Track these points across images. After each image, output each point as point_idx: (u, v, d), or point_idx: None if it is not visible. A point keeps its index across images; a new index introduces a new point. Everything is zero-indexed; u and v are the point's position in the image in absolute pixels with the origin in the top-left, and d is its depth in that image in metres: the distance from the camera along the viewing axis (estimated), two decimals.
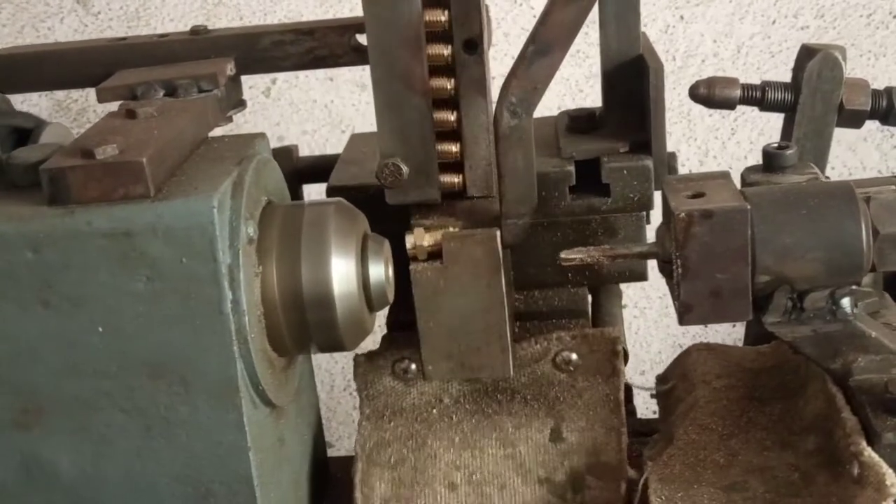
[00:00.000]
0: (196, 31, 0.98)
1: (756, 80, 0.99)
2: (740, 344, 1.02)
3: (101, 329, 0.74)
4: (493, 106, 0.83)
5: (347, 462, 0.90)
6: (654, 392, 1.00)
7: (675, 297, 0.80)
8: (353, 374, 0.93)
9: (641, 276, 0.96)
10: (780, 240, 0.78)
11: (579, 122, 0.98)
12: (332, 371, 1.81)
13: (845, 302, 0.80)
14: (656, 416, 0.99)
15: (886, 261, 0.79)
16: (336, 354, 1.77)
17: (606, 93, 0.97)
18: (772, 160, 0.90)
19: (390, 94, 0.83)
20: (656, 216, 0.94)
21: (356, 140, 1.09)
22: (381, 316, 0.92)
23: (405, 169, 0.85)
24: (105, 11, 1.67)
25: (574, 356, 0.90)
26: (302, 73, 1.64)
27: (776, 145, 0.90)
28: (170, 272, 0.73)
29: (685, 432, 0.87)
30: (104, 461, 0.77)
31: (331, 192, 0.94)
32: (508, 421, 0.90)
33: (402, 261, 0.84)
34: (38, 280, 0.73)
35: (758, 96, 0.98)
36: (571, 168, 0.93)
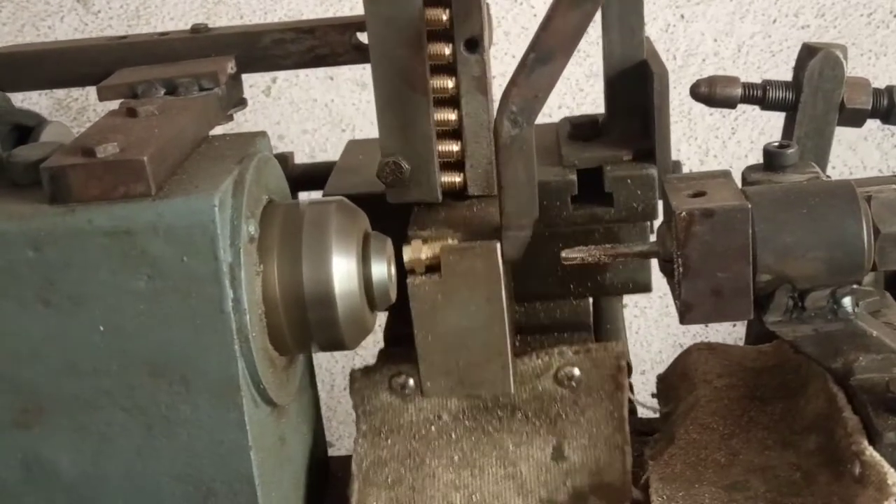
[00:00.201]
0: (196, 30, 0.97)
1: (757, 80, 0.99)
2: (741, 343, 1.02)
3: (101, 328, 0.74)
4: (494, 105, 0.83)
5: (348, 461, 0.90)
6: (654, 392, 1.00)
7: (676, 296, 0.79)
8: (349, 389, 0.90)
9: (645, 288, 0.94)
10: (781, 239, 0.77)
11: (581, 128, 0.95)
12: (333, 370, 1.81)
13: (846, 301, 0.80)
14: (657, 415, 0.99)
15: (887, 260, 0.79)
16: (336, 353, 1.77)
17: (609, 99, 0.95)
18: (773, 159, 0.90)
19: (391, 92, 0.83)
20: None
21: (353, 147, 1.07)
22: (378, 331, 0.90)
23: (406, 167, 0.85)
24: (105, 10, 1.67)
25: (576, 371, 0.88)
26: (302, 72, 1.64)
27: (777, 144, 0.90)
28: (171, 271, 0.73)
29: (686, 432, 0.87)
30: (105, 460, 0.77)
31: None
32: (509, 439, 0.88)
33: (399, 272, 0.82)
34: (38, 279, 0.73)
35: (759, 95, 0.97)
36: (573, 177, 0.90)
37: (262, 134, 0.86)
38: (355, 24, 0.94)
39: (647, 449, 0.89)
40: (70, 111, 1.69)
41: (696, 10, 1.64)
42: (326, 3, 1.65)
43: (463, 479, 0.87)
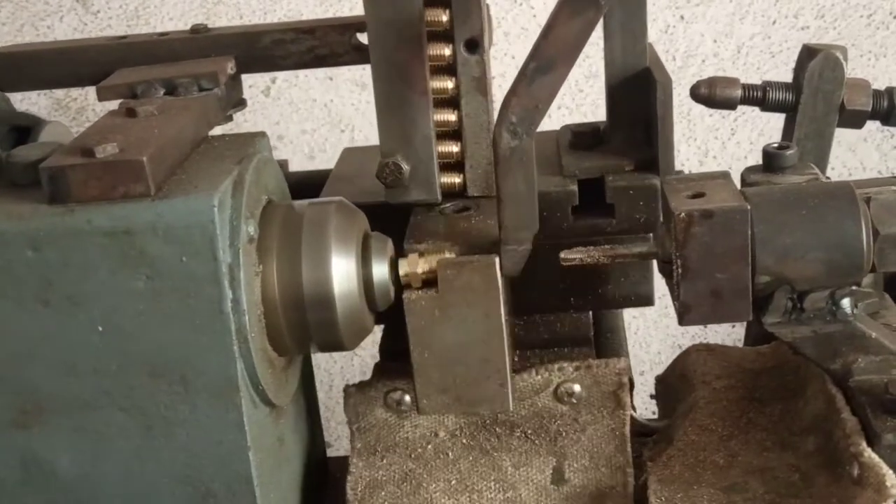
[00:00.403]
0: (196, 30, 0.98)
1: (756, 81, 0.99)
2: (740, 344, 1.02)
3: (100, 328, 0.74)
4: (495, 105, 0.82)
5: (346, 462, 0.90)
6: (652, 393, 1.00)
7: (675, 297, 0.79)
8: (344, 405, 0.88)
9: (647, 301, 0.92)
10: (781, 240, 0.78)
11: (582, 137, 0.93)
12: (332, 371, 1.81)
13: (845, 302, 0.80)
14: (656, 416, 0.99)
15: (886, 261, 0.79)
16: (335, 354, 1.77)
17: (611, 107, 0.93)
18: (772, 160, 0.90)
19: (391, 93, 0.83)
20: None
21: (348, 155, 1.05)
22: (377, 332, 0.90)
23: (406, 168, 0.85)
24: (104, 10, 1.67)
25: (577, 388, 0.86)
26: (301, 73, 1.64)
27: (776, 145, 0.90)
28: (170, 271, 0.73)
29: (685, 433, 0.87)
30: (103, 460, 0.77)
31: None
32: (508, 459, 0.86)
33: (395, 283, 0.81)
34: (37, 279, 0.73)
35: (759, 96, 0.97)
36: (574, 187, 0.88)
37: (262, 134, 0.86)
38: (355, 25, 0.94)
39: (646, 450, 0.88)
40: (69, 111, 1.69)
41: (695, 11, 1.64)
42: (326, 3, 1.65)
43: None
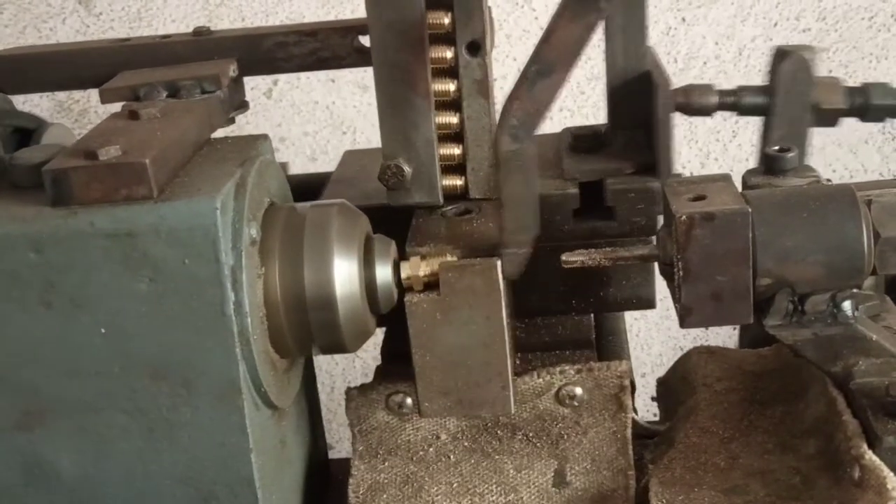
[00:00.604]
0: (199, 33, 0.98)
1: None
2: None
3: (103, 330, 0.74)
4: (496, 108, 0.82)
5: (348, 464, 0.90)
6: (654, 395, 1.00)
7: (676, 299, 0.80)
8: (345, 408, 0.89)
9: (649, 304, 0.92)
10: (782, 243, 0.78)
11: (583, 140, 0.93)
12: (333, 373, 1.81)
13: (846, 305, 0.80)
14: (657, 418, 0.99)
15: (887, 264, 0.79)
16: (336, 357, 1.77)
17: (612, 110, 0.93)
18: (773, 163, 0.90)
19: (393, 95, 0.83)
20: None
21: (349, 157, 1.05)
22: (379, 333, 0.90)
23: (407, 170, 0.85)
24: (107, 12, 1.67)
25: (579, 391, 0.86)
26: (303, 75, 1.65)
27: (777, 148, 0.90)
28: (172, 273, 0.73)
29: (686, 435, 0.87)
30: (106, 462, 0.78)
31: None
32: (509, 461, 0.86)
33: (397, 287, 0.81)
34: (40, 281, 0.73)
35: (733, 102, 0.97)
36: (575, 190, 0.88)
37: (264, 137, 0.86)
38: (357, 28, 0.95)
39: (647, 452, 0.89)
40: (71, 113, 1.70)
41: (697, 13, 1.64)
42: (328, 5, 1.65)
43: None
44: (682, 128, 1.66)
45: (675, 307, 0.80)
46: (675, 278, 0.78)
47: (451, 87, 0.85)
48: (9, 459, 0.78)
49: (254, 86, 1.61)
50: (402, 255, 0.81)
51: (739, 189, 0.82)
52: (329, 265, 0.78)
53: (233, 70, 0.92)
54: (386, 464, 0.88)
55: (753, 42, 1.65)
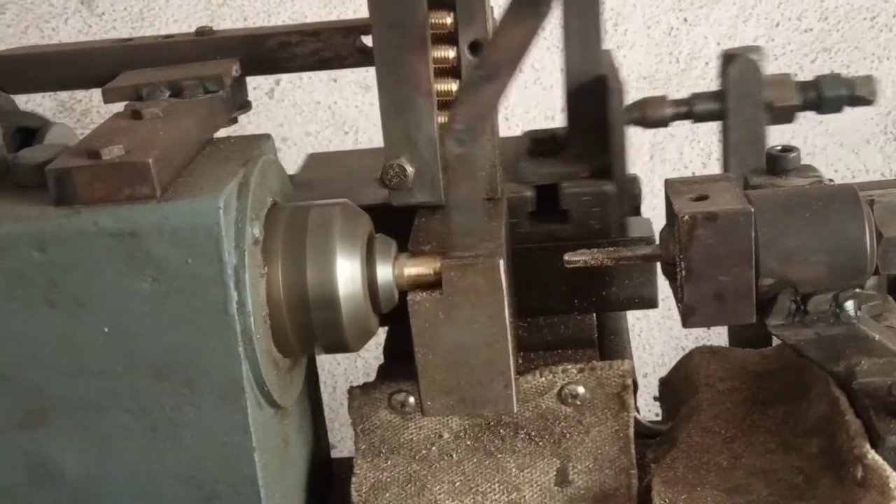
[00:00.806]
0: (201, 32, 0.98)
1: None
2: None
3: (106, 329, 0.74)
4: (498, 108, 0.82)
5: (351, 463, 0.90)
6: (656, 395, 1.00)
7: (679, 299, 0.80)
8: (348, 407, 0.89)
9: (651, 303, 0.92)
10: (784, 242, 0.78)
11: (542, 144, 0.95)
12: (335, 372, 1.81)
13: (849, 305, 0.80)
14: (659, 418, 0.99)
15: (890, 264, 0.79)
16: (338, 356, 1.77)
17: (569, 114, 0.94)
18: (775, 163, 0.90)
19: (395, 95, 0.83)
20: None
21: (312, 161, 1.05)
22: (381, 333, 0.90)
23: (410, 170, 0.85)
24: (109, 12, 1.67)
25: (581, 390, 0.86)
26: (305, 75, 1.65)
27: (779, 148, 0.91)
28: (175, 273, 0.73)
29: (688, 435, 0.87)
30: (109, 462, 0.78)
31: None
32: (512, 460, 0.86)
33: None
34: (44, 280, 0.73)
35: (687, 111, 0.98)
36: (531, 193, 0.89)
37: (267, 136, 0.86)
38: (359, 27, 0.95)
39: (650, 452, 0.89)
40: (74, 113, 1.70)
41: (699, 13, 1.64)
42: (330, 5, 1.65)
43: None
44: (684, 128, 1.67)
45: (678, 307, 0.80)
46: (678, 278, 0.78)
47: (453, 87, 0.85)
48: (13, 458, 0.78)
49: (256, 86, 1.61)
50: (406, 254, 0.81)
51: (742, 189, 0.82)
52: (332, 264, 0.78)
53: (235, 70, 0.92)
54: (388, 462, 0.88)
55: (755, 42, 1.65)
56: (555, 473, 0.86)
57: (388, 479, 0.87)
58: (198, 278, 0.73)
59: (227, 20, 1.66)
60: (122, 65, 0.95)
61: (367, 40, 0.93)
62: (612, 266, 0.87)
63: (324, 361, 1.73)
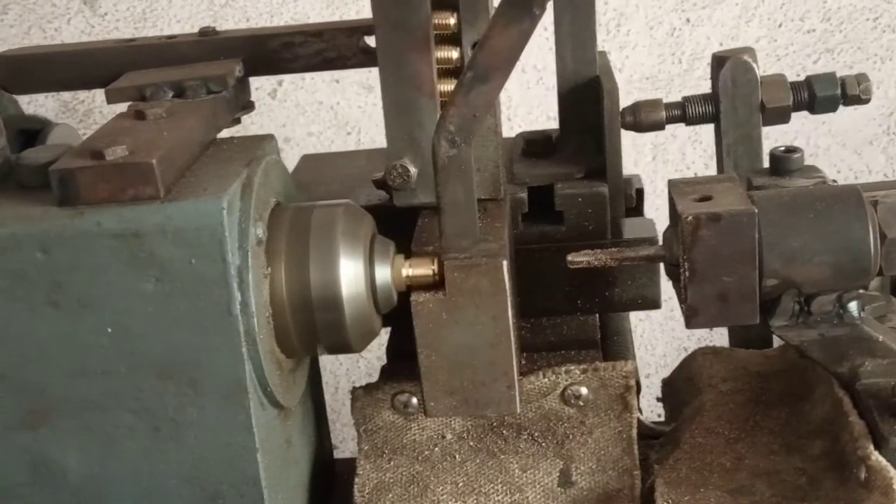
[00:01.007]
0: (204, 33, 0.98)
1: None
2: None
3: (110, 330, 0.74)
4: (502, 108, 0.82)
5: (353, 464, 0.90)
6: (659, 396, 1.00)
7: (682, 300, 0.80)
8: (351, 408, 0.89)
9: (654, 304, 0.93)
10: (788, 243, 0.78)
11: (535, 145, 0.95)
12: (337, 373, 1.81)
13: (852, 306, 0.80)
14: (662, 419, 0.99)
15: (894, 265, 0.79)
16: (341, 357, 1.77)
17: (563, 115, 0.94)
18: (779, 163, 0.90)
19: (399, 96, 0.83)
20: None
21: (305, 162, 1.04)
22: (384, 334, 0.90)
23: (413, 171, 0.85)
24: (112, 13, 1.67)
25: (584, 390, 0.86)
26: (308, 75, 1.65)
27: (783, 148, 0.91)
28: (179, 273, 0.73)
29: (692, 436, 0.87)
30: (112, 462, 0.78)
31: None
32: (515, 461, 0.86)
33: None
34: (47, 280, 0.73)
35: (680, 114, 0.98)
36: (524, 195, 0.90)
37: (270, 137, 0.86)
38: (363, 28, 0.95)
39: (653, 453, 0.89)
40: (76, 113, 1.70)
41: (701, 14, 1.64)
42: (333, 6, 1.65)
43: None
44: (687, 129, 1.66)
45: (681, 308, 0.80)
46: (681, 279, 0.78)
47: None
48: (15, 458, 0.78)
49: (258, 86, 1.61)
50: (408, 255, 0.81)
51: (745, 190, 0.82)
52: (335, 265, 0.78)
53: (238, 70, 0.92)
54: (391, 463, 0.88)
55: (758, 43, 1.65)
56: (558, 474, 0.86)
57: (391, 480, 0.87)
58: (201, 279, 0.73)
59: (230, 21, 1.66)
60: (125, 65, 0.95)
61: (371, 41, 0.93)
62: (615, 267, 0.87)
63: (326, 362, 1.73)
